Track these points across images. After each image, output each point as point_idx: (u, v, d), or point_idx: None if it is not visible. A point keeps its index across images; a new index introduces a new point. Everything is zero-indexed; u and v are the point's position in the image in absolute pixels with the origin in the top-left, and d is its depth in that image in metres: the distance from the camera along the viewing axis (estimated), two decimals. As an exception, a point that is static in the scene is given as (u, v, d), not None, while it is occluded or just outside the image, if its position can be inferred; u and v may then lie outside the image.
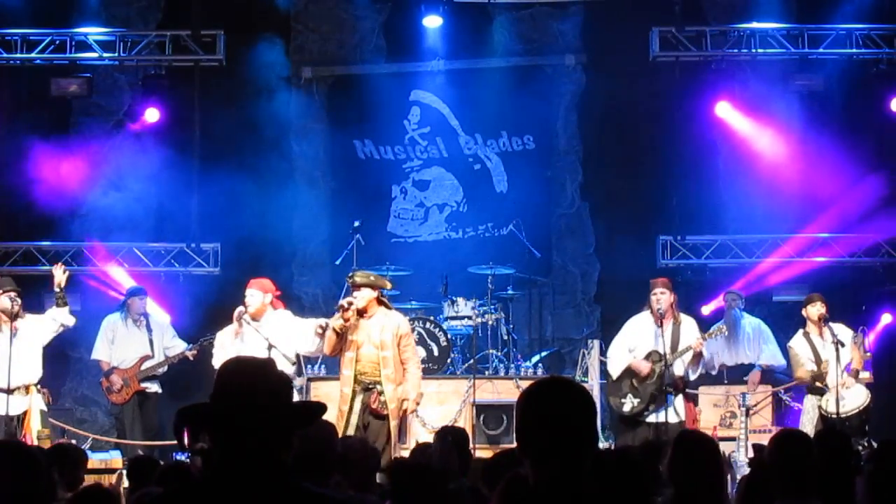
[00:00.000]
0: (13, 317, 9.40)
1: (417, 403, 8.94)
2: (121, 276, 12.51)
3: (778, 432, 4.69)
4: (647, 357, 9.43)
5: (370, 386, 8.69)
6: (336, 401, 8.80)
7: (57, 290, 9.85)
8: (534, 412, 2.95)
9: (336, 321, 8.73)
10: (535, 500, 2.86)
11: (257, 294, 9.10)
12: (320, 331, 8.88)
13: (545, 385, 3.04)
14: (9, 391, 9.28)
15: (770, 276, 12.75)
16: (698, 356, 9.36)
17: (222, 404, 2.75)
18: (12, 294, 9.47)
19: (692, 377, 9.73)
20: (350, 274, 9.14)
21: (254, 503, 2.67)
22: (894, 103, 12.38)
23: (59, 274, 9.90)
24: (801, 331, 10.14)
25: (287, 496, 2.71)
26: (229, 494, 2.68)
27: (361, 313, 8.77)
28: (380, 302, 8.82)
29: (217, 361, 9.08)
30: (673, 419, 9.26)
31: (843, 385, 9.66)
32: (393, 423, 8.61)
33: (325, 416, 8.58)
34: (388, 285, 9.03)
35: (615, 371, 9.54)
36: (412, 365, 8.83)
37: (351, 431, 8.54)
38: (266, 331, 8.94)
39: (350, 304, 8.70)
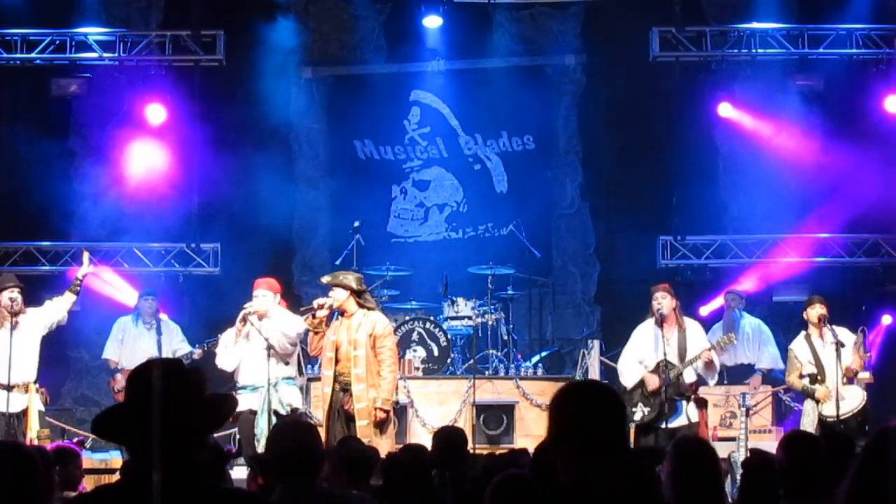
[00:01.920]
0: (14, 314, 9.37)
1: (385, 411, 8.53)
2: (116, 279, 12.47)
3: (788, 433, 4.71)
4: (656, 369, 9.35)
5: (347, 386, 8.63)
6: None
7: (78, 277, 9.73)
8: (570, 413, 3.07)
9: (307, 320, 8.79)
10: (568, 498, 2.97)
11: (269, 294, 9.06)
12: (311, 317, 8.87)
13: (581, 387, 3.23)
14: (8, 388, 9.26)
15: (770, 277, 12.74)
16: (711, 364, 9.28)
17: (131, 409, 2.75)
18: (14, 292, 9.43)
19: (710, 383, 9.62)
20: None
21: (164, 501, 2.67)
22: (888, 102, 12.37)
23: (87, 263, 9.75)
24: (802, 333, 10.11)
25: (199, 496, 2.72)
26: (141, 496, 2.67)
27: (342, 313, 8.77)
28: (359, 304, 8.79)
29: (221, 361, 9.10)
30: (684, 423, 9.21)
31: (843, 381, 9.62)
32: (360, 423, 8.47)
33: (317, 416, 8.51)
34: (353, 285, 8.76)
35: (629, 383, 9.38)
36: (385, 368, 8.61)
37: (332, 432, 8.51)
38: (267, 331, 8.94)
39: (321, 305, 8.72)
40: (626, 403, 9.33)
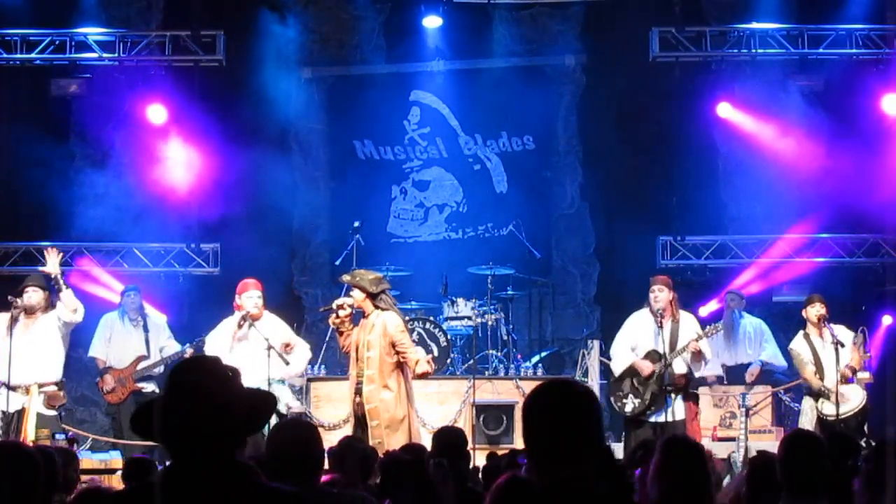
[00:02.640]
0: (22, 314, 9.32)
1: (428, 362, 8.69)
2: (111, 278, 12.45)
3: (789, 433, 4.73)
4: (647, 356, 9.41)
5: (361, 387, 8.68)
6: (335, 401, 8.87)
7: (50, 274, 9.58)
8: (540, 415, 2.97)
9: (330, 319, 8.89)
10: (543, 502, 2.88)
11: (262, 296, 9.28)
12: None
13: (550, 387, 3.05)
14: (9, 387, 9.24)
15: (770, 277, 12.74)
16: (698, 354, 9.31)
17: (172, 407, 2.75)
18: (30, 290, 9.40)
19: (696, 374, 9.66)
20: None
21: (208, 500, 2.67)
22: (885, 102, 12.36)
23: (53, 260, 9.59)
24: (801, 332, 10.14)
25: (240, 492, 2.71)
26: (183, 492, 2.67)
27: (364, 314, 8.81)
28: (374, 305, 8.79)
29: None
30: (671, 419, 9.23)
31: (841, 381, 9.62)
32: (372, 424, 8.52)
33: (336, 415, 8.59)
34: (367, 286, 8.77)
35: (617, 369, 9.49)
36: (410, 349, 8.69)
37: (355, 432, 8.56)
38: (266, 331, 8.98)
39: (340, 305, 8.74)
40: (615, 395, 9.41)
